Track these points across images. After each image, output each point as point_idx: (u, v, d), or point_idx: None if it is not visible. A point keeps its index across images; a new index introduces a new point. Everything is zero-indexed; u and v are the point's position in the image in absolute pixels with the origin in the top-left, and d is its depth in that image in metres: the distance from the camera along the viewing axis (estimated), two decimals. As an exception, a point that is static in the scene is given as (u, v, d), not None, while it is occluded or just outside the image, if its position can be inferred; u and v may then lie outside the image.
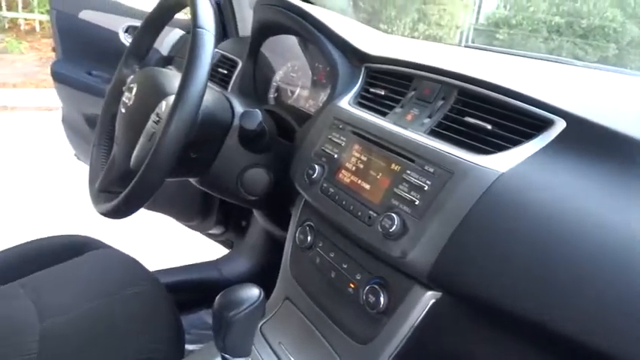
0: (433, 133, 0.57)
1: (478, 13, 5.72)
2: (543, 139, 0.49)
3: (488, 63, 0.75)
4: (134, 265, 0.96)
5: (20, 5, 5.11)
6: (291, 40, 0.96)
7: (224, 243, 1.48)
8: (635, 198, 0.42)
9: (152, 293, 0.90)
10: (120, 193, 0.71)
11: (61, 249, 1.00)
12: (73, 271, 0.93)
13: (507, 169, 0.47)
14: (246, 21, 1.14)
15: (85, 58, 1.56)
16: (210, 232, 1.46)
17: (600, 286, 0.40)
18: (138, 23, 1.44)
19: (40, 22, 5.25)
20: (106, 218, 0.72)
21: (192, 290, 1.18)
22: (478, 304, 0.48)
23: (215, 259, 1.32)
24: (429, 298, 0.51)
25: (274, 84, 1.00)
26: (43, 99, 4.09)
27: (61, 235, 1.04)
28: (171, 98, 0.67)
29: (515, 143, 0.50)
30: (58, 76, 1.60)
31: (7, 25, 5.09)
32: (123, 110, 0.74)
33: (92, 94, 1.53)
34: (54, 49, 1.70)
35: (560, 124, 0.48)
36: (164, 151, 0.60)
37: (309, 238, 0.67)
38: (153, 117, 0.68)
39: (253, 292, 0.53)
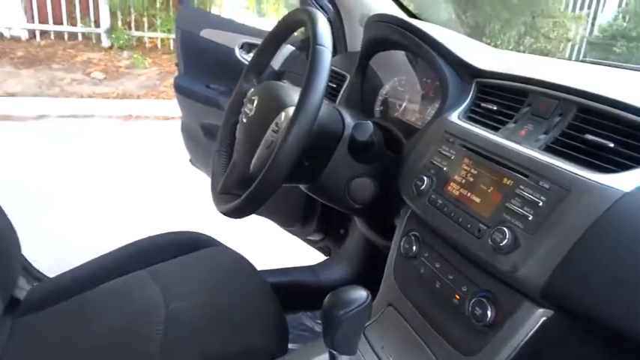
0: (549, 149, 0.56)
1: (592, 25, 5.34)
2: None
3: (607, 78, 0.72)
4: (244, 263, 1.04)
5: (146, 25, 5.69)
6: (399, 55, 0.98)
7: (322, 250, 1.53)
8: None
9: (260, 291, 0.97)
10: (239, 195, 0.78)
11: (180, 244, 1.12)
12: (193, 264, 1.03)
13: (631, 188, 0.46)
14: (354, 37, 1.18)
15: (203, 72, 1.70)
16: (309, 238, 1.52)
17: None
18: (252, 40, 1.56)
19: (162, 40, 5.79)
20: (225, 217, 0.79)
21: (292, 292, 1.24)
22: (591, 324, 0.46)
23: (313, 264, 1.37)
24: (540, 315, 0.51)
25: (380, 97, 1.03)
26: (161, 109, 4.50)
27: (181, 232, 1.16)
28: (290, 110, 0.73)
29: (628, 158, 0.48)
30: (179, 89, 1.77)
31: (134, 43, 5.68)
32: (244, 120, 0.82)
33: (209, 105, 1.67)
34: (177, 65, 1.88)
35: None
36: (282, 159, 0.66)
37: (414, 247, 0.69)
38: (272, 127, 0.74)
39: (361, 294, 0.56)
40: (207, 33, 1.66)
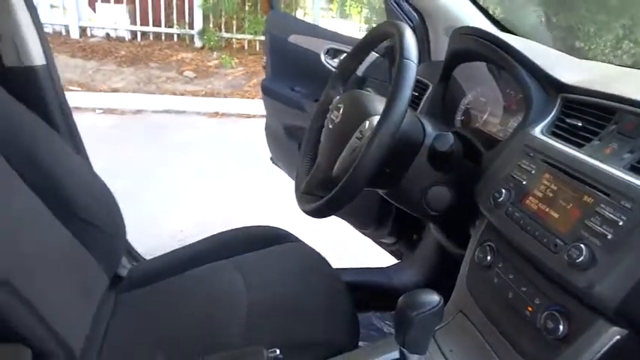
0: (633, 169, 0.56)
1: None
2: None
3: None
4: (320, 260, 1.10)
5: (235, 27, 5.98)
6: (482, 66, 0.99)
7: (394, 253, 1.56)
8: None
9: (334, 288, 1.03)
10: (321, 196, 0.84)
11: (261, 238, 1.20)
12: (273, 257, 1.10)
13: None
14: (439, 46, 1.20)
15: (289, 75, 1.79)
16: (382, 240, 1.55)
17: None
18: (337, 46, 1.62)
19: (249, 42, 6.05)
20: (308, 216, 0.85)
21: (364, 291, 1.28)
22: None
23: (386, 266, 1.41)
24: (614, 333, 0.51)
25: (462, 107, 1.04)
26: (245, 107, 4.72)
27: (262, 226, 1.24)
28: (374, 119, 0.77)
29: None
30: (266, 91, 1.87)
31: (223, 44, 5.98)
32: (330, 126, 0.87)
33: (292, 107, 1.75)
34: (264, 67, 1.99)
35: None
36: (365, 165, 0.70)
37: (488, 257, 0.70)
38: (356, 134, 0.79)
39: (434, 297, 0.59)
40: (294, 38, 1.74)
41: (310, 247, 1.17)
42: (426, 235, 1.32)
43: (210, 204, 2.69)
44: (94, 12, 5.82)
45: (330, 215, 0.81)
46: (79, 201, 0.98)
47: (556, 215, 0.59)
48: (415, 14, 1.26)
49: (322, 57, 1.63)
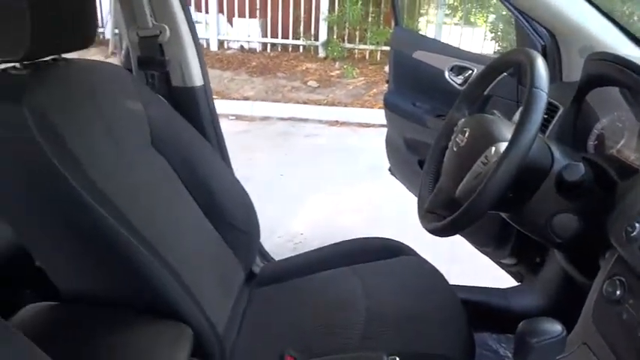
0: None
1: None
2: None
3: None
4: (437, 275, 1.13)
5: (357, 38, 6.14)
6: (616, 90, 0.95)
7: (514, 274, 1.52)
8: None
9: (451, 304, 1.05)
10: (443, 216, 0.88)
11: (381, 249, 1.26)
12: (391, 268, 1.16)
13: None
14: (572, 67, 1.16)
15: (411, 90, 1.83)
16: (502, 260, 1.52)
17: None
18: (462, 63, 1.62)
19: (370, 52, 6.17)
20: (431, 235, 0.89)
21: (480, 311, 1.28)
22: None
23: (504, 287, 1.39)
24: None
25: (596, 131, 1.01)
26: (364, 116, 4.83)
27: (383, 238, 1.30)
28: (500, 145, 0.79)
29: None
30: (388, 105, 1.93)
31: (345, 55, 6.18)
32: (454, 149, 0.90)
33: (413, 121, 1.78)
34: (387, 82, 2.05)
35: None
36: (489, 191, 0.73)
37: (617, 292, 0.69)
38: (481, 159, 0.81)
39: (556, 327, 0.60)
40: (418, 54, 1.78)
41: (427, 262, 1.21)
42: (550, 260, 1.28)
43: (330, 210, 2.83)
44: (231, 26, 6.37)
45: (451, 235, 0.85)
46: (224, 204, 1.13)
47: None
48: (547, 33, 1.23)
49: (446, 74, 1.64)
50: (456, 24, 6.83)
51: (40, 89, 0.76)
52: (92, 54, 6.05)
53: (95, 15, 0.90)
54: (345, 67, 5.85)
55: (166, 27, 1.13)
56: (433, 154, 1.04)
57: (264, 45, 6.43)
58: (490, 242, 1.48)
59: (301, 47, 6.39)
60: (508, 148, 0.72)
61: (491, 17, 6.35)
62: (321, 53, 6.28)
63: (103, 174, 0.80)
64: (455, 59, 1.67)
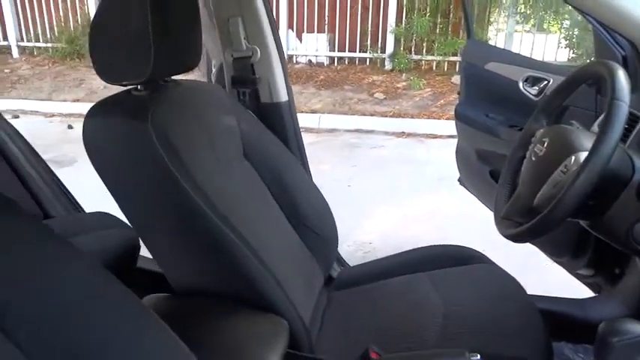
0: None
1: None
2: None
3: None
4: (514, 283, 1.15)
5: (424, 49, 6.15)
6: None
7: (591, 285, 1.49)
8: None
9: (529, 313, 1.07)
10: (520, 223, 0.91)
11: (456, 256, 1.30)
12: (467, 275, 1.20)
13: None
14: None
15: (483, 101, 1.84)
16: (578, 272, 1.50)
17: None
18: (536, 73, 1.62)
19: (437, 63, 6.15)
20: (508, 240, 0.93)
21: (557, 320, 1.27)
22: None
23: (582, 297, 1.37)
24: None
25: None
26: (431, 127, 4.83)
27: (458, 246, 1.34)
28: (580, 155, 0.82)
29: None
30: (459, 116, 1.95)
31: (412, 66, 6.19)
32: (533, 158, 0.94)
33: (485, 132, 1.80)
34: (459, 93, 2.07)
35: None
36: (569, 199, 0.76)
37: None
38: (561, 168, 0.84)
39: (638, 327, 0.63)
40: (492, 66, 1.80)
41: (503, 270, 1.23)
42: (630, 270, 1.26)
43: (397, 220, 2.86)
44: (300, 42, 6.59)
45: (529, 241, 0.88)
46: (306, 211, 1.22)
47: None
48: (627, 42, 1.22)
49: (520, 84, 1.65)
50: (527, 31, 6.64)
51: (159, 109, 0.89)
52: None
53: (200, 41, 1.02)
54: (411, 78, 5.87)
55: (258, 49, 1.25)
56: (510, 164, 1.07)
57: (332, 59, 6.58)
58: (566, 252, 1.47)
59: (368, 60, 6.48)
60: (588, 158, 0.75)
61: (566, 23, 6.13)
62: (388, 65, 6.33)
63: (208, 181, 0.91)
64: (529, 70, 1.67)
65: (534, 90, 1.62)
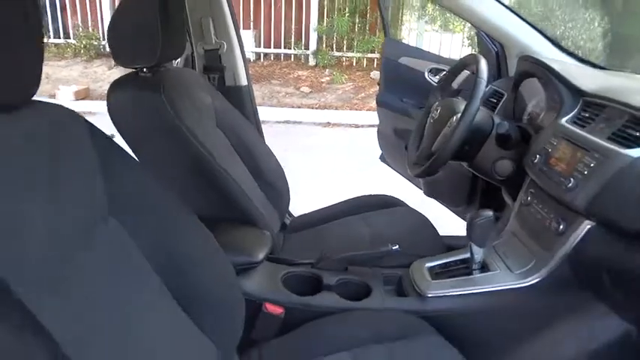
0: (609, 138, 0.97)
1: None
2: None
3: None
4: (427, 222, 1.58)
5: (345, 46, 6.64)
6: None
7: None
8: None
9: (432, 235, 1.50)
10: (423, 164, 1.33)
11: (381, 202, 1.71)
12: (388, 215, 1.61)
13: (638, 156, 0.87)
14: (513, 66, 1.62)
15: (399, 89, 2.28)
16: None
17: None
18: (438, 65, 2.08)
19: (357, 59, 6.67)
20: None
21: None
22: (614, 227, 0.89)
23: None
24: (587, 224, 0.94)
25: (529, 109, 1.47)
26: (353, 118, 5.30)
27: (381, 194, 1.75)
28: (459, 115, 1.25)
29: None
30: (380, 103, 2.37)
31: (334, 62, 6.66)
32: (431, 121, 1.36)
33: (401, 114, 2.23)
34: (379, 84, 2.50)
35: None
36: (452, 144, 1.18)
37: (529, 198, 1.15)
38: (447, 125, 1.27)
39: (489, 212, 1.05)
40: (404, 60, 2.24)
41: (417, 211, 1.66)
42: (505, 212, 1.74)
43: (325, 191, 3.26)
44: (227, 38, 6.80)
45: (430, 175, 1.30)
46: (264, 169, 1.56)
47: (564, 166, 1.02)
48: (498, 44, 1.70)
49: (426, 74, 2.10)
50: (436, 31, 7.35)
51: (165, 85, 1.19)
52: (97, 65, 6.44)
53: (185, 35, 1.33)
54: (334, 73, 6.33)
55: (224, 42, 1.58)
56: (418, 127, 1.49)
57: (258, 55, 6.88)
58: (461, 202, 1.94)
59: (292, 56, 6.86)
60: (461, 116, 1.17)
61: (468, 25, 6.89)
62: (312, 61, 6.75)
63: (202, 137, 1.23)
64: (433, 63, 2.12)
65: (436, 78, 2.07)
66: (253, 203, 1.29)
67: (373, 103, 2.38)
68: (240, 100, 1.66)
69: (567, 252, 0.98)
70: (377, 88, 2.42)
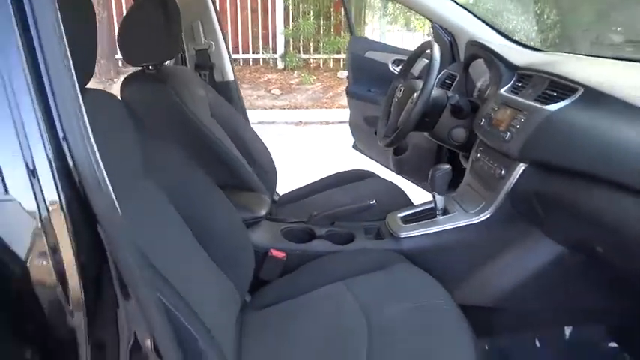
0: (535, 99, 1.24)
1: None
2: (572, 98, 1.13)
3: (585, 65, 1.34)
4: (398, 189, 1.83)
5: (312, 49, 6.90)
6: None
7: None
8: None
9: (402, 197, 1.75)
10: (390, 136, 1.58)
11: (357, 175, 1.95)
12: (364, 185, 1.85)
13: (557, 109, 1.13)
14: (463, 52, 1.90)
15: (366, 81, 2.53)
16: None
17: None
18: (400, 57, 2.34)
19: (324, 61, 6.93)
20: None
21: None
22: (541, 166, 1.15)
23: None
24: (521, 167, 1.20)
25: (477, 86, 1.74)
26: (324, 116, 5.55)
27: (356, 169, 2.00)
28: (419, 92, 1.50)
29: (560, 99, 1.15)
30: (350, 94, 2.61)
31: (302, 65, 6.91)
32: (396, 99, 1.61)
33: (369, 102, 2.48)
34: (347, 78, 2.75)
35: (580, 90, 1.12)
36: (413, 117, 1.43)
37: (478, 155, 1.41)
38: (409, 101, 1.52)
39: (447, 166, 1.30)
40: (370, 54, 2.49)
41: (389, 180, 1.91)
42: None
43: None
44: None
45: (395, 146, 1.54)
46: (253, 151, 1.78)
47: (503, 125, 1.28)
48: (450, 33, 1.97)
49: (390, 65, 2.35)
50: (399, 30, 7.69)
51: (169, 79, 1.41)
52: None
53: (180, 33, 1.53)
54: (302, 75, 6.58)
55: (212, 43, 1.79)
56: (385, 107, 1.74)
57: (227, 60, 7.05)
58: (427, 177, 2.19)
59: (261, 60, 7.07)
60: (419, 93, 1.42)
61: (428, 23, 7.25)
62: (280, 64, 6.98)
63: (199, 118, 1.44)
64: (395, 55, 2.38)
65: (399, 68, 2.33)
66: (251, 174, 1.51)
67: (342, 101, 2.62)
68: (228, 94, 1.88)
69: (508, 191, 1.24)
70: (344, 87, 2.66)
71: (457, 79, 1.80)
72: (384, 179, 1.93)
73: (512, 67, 1.45)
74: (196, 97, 1.56)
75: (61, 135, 0.52)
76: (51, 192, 0.52)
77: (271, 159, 1.89)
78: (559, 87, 1.19)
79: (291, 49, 6.97)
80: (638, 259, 0.96)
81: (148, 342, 0.61)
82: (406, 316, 1.07)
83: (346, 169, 2.05)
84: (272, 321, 1.15)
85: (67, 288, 0.54)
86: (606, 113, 1.03)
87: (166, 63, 1.86)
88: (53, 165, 0.51)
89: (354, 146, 2.84)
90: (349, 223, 1.56)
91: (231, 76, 1.89)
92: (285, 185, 2.38)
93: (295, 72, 6.78)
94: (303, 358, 1.01)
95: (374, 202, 1.48)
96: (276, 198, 1.98)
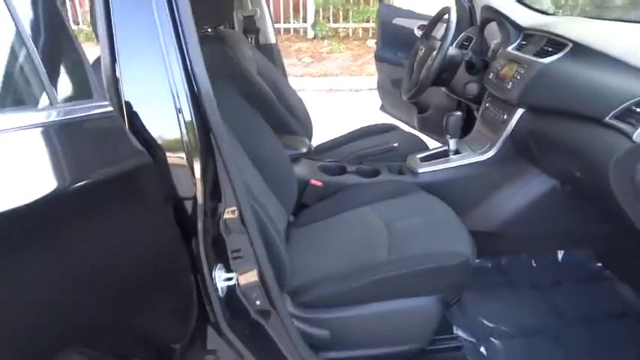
0: (534, 54, 1.46)
1: None
2: (563, 52, 1.35)
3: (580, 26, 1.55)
4: (416, 135, 2.08)
5: (341, 18, 7.05)
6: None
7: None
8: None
9: (422, 144, 2.01)
10: (413, 90, 1.82)
11: (384, 127, 2.22)
12: (390, 136, 2.11)
13: (550, 61, 1.36)
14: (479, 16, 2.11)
15: (393, 45, 2.75)
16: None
17: None
18: (424, 22, 2.55)
19: (353, 30, 7.08)
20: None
21: None
22: (540, 111, 1.39)
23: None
24: (520, 111, 1.44)
25: (492, 46, 1.96)
26: (353, 84, 5.75)
27: (381, 123, 2.26)
28: (437, 51, 1.73)
29: (553, 54, 1.38)
30: (379, 58, 2.84)
31: (331, 34, 7.08)
32: (418, 58, 1.85)
33: (396, 65, 2.71)
34: (376, 43, 2.97)
35: (569, 46, 1.34)
36: (433, 71, 1.67)
37: (487, 104, 1.65)
38: (430, 58, 1.76)
39: (458, 113, 1.55)
40: (397, 20, 2.70)
41: (412, 133, 2.16)
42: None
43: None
44: (229, 15, 7.19)
45: (417, 97, 1.79)
46: (294, 105, 2.05)
47: (507, 77, 1.51)
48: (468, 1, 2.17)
49: (415, 31, 2.57)
50: None
51: (225, 39, 1.68)
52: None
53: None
54: (332, 44, 6.75)
55: (257, 9, 2.06)
56: (409, 66, 1.98)
57: (259, 30, 7.27)
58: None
59: (292, 29, 7.26)
60: (438, 51, 1.66)
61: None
62: (310, 34, 7.16)
63: (251, 74, 1.72)
64: (420, 20, 2.59)
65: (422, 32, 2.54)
66: (293, 121, 1.79)
67: (371, 69, 2.80)
68: (271, 55, 2.15)
69: (509, 132, 1.49)
70: (373, 55, 2.89)
71: (474, 40, 2.02)
72: (406, 131, 2.19)
73: (519, 27, 1.67)
74: (247, 56, 1.83)
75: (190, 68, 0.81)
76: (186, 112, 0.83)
77: (307, 112, 2.17)
78: (553, 44, 1.41)
79: (321, 18, 7.13)
80: (606, 180, 1.21)
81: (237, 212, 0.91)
82: (417, 222, 1.35)
83: (374, 123, 2.31)
84: (312, 235, 1.41)
85: (194, 172, 0.86)
86: (588, 63, 1.26)
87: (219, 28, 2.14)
88: (187, 91, 0.81)
89: (381, 108, 3.08)
90: (375, 162, 1.83)
91: (273, 40, 2.15)
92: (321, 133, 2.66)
93: (325, 41, 6.96)
94: (339, 254, 1.28)
95: (396, 144, 1.74)
96: (313, 147, 2.26)
